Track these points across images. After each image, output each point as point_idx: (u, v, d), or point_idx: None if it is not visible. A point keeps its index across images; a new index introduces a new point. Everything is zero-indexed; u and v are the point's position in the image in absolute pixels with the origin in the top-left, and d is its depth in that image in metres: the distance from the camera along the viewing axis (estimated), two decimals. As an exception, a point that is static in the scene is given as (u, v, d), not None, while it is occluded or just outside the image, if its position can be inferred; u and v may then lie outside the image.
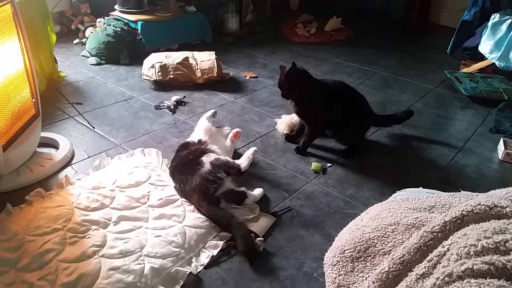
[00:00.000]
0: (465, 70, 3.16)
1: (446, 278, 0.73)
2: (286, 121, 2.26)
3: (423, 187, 1.40)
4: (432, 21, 4.66)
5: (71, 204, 1.57)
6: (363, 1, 4.64)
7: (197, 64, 2.79)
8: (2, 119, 1.62)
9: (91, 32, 3.26)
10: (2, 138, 1.63)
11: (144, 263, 1.35)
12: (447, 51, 3.17)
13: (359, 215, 1.26)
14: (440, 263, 0.80)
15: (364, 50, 3.72)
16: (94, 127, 2.18)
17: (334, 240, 1.22)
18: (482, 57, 3.01)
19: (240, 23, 3.92)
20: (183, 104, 2.51)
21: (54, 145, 1.98)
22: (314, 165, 1.95)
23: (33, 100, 1.81)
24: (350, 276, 1.01)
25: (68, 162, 1.88)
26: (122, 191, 1.66)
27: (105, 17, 3.32)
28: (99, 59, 3.02)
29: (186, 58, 2.80)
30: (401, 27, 4.47)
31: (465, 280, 0.71)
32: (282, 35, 4.03)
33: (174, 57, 2.79)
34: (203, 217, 1.55)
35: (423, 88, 2.96)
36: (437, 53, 3.66)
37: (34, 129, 1.83)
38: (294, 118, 2.26)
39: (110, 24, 3.12)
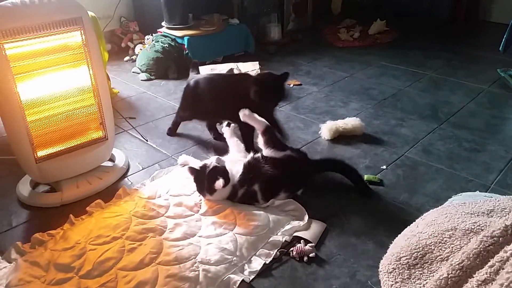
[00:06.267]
0: (521, 67, 3.02)
1: (511, 285, 0.71)
2: (329, 126, 2.24)
3: (479, 191, 1.36)
4: (481, 18, 4.48)
5: (129, 213, 1.65)
6: (407, 2, 4.54)
7: (242, 74, 2.84)
8: (40, 132, 1.71)
9: (140, 49, 3.40)
10: (39, 148, 1.72)
11: (198, 270, 1.39)
12: (499, 48, 3.02)
13: (414, 221, 1.24)
14: (503, 269, 0.77)
15: (411, 51, 3.64)
16: (147, 140, 2.27)
17: (388, 247, 1.21)
18: (539, 53, 2.86)
19: (282, 32, 3.95)
20: (229, 114, 2.55)
21: (111, 158, 2.08)
22: (368, 177, 1.89)
23: (100, 123, 1.87)
24: (407, 284, 0.99)
25: (124, 174, 1.97)
26: (176, 201, 1.73)
27: (153, 34, 3.44)
28: (149, 75, 3.14)
29: (231, 70, 2.86)
30: (448, 26, 4.33)
31: (532, 287, 0.68)
32: (325, 41, 4.01)
33: (219, 69, 2.86)
34: (254, 224, 1.58)
35: (475, 88, 2.85)
36: (488, 51, 3.51)
37: (96, 149, 1.88)
38: (337, 123, 2.24)
39: (158, 41, 3.24)
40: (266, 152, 1.78)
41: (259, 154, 1.77)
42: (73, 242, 1.51)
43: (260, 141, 1.83)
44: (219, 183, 1.62)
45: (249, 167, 1.72)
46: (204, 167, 1.70)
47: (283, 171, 1.71)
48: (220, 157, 1.72)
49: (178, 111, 2.30)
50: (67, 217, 1.64)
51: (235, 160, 1.78)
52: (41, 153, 1.73)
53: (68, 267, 1.41)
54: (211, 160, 1.70)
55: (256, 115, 1.82)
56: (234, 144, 1.95)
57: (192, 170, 1.72)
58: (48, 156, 1.75)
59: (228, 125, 2.05)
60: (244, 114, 1.83)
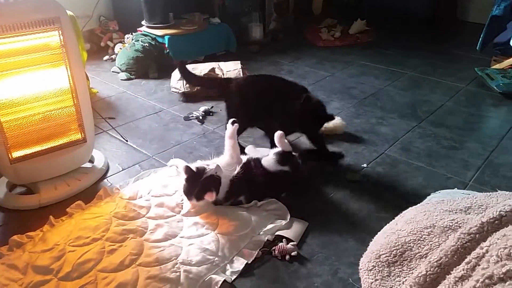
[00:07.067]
0: (497, 66, 3.08)
1: (486, 281, 0.72)
2: None
3: (458, 188, 1.38)
4: (459, 18, 4.57)
5: (109, 214, 1.62)
6: (388, 2, 4.59)
7: (223, 74, 2.83)
8: (16, 133, 1.67)
9: (120, 48, 3.35)
10: (15, 149, 1.69)
11: (180, 271, 1.38)
12: (477, 48, 3.09)
13: (393, 219, 1.25)
14: (479, 265, 0.79)
15: (391, 51, 3.68)
16: (127, 140, 2.24)
17: (368, 245, 1.22)
18: (515, 52, 2.93)
19: (264, 32, 3.95)
20: (211, 114, 2.55)
21: (90, 159, 2.05)
22: (348, 175, 1.91)
23: (79, 125, 1.84)
24: (387, 281, 1.00)
25: (103, 175, 1.95)
26: (157, 202, 1.71)
27: (133, 33, 3.40)
28: (129, 74, 3.11)
29: (213, 69, 2.84)
30: (428, 25, 4.40)
31: (507, 283, 0.70)
32: (306, 40, 4.03)
33: (200, 69, 2.84)
34: (236, 224, 1.57)
35: (454, 86, 2.90)
36: (466, 50, 3.58)
37: (74, 151, 1.84)
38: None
39: (138, 40, 3.20)
40: (271, 154, 1.76)
41: (250, 161, 1.75)
42: (52, 244, 1.48)
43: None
44: (211, 195, 1.58)
45: (236, 181, 1.67)
46: (201, 171, 1.62)
47: (271, 182, 1.72)
48: (220, 165, 1.65)
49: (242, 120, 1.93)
50: (46, 219, 1.61)
51: (224, 167, 1.70)
52: (16, 154, 1.69)
53: (46, 269, 1.39)
54: (211, 167, 1.62)
55: None
56: (231, 151, 1.74)
57: (188, 170, 1.64)
58: (24, 157, 1.72)
59: (233, 123, 1.76)
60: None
